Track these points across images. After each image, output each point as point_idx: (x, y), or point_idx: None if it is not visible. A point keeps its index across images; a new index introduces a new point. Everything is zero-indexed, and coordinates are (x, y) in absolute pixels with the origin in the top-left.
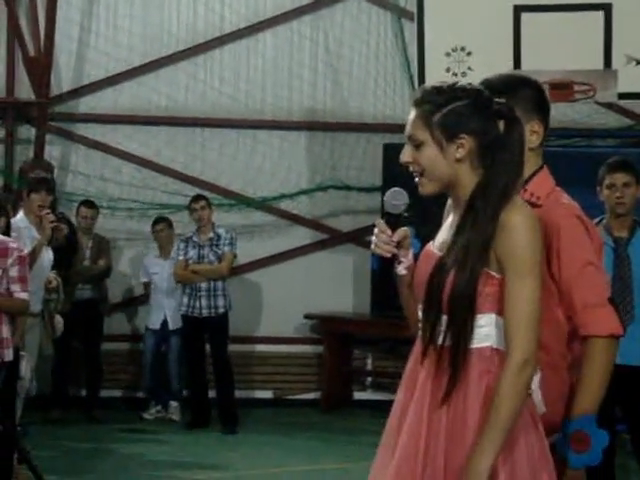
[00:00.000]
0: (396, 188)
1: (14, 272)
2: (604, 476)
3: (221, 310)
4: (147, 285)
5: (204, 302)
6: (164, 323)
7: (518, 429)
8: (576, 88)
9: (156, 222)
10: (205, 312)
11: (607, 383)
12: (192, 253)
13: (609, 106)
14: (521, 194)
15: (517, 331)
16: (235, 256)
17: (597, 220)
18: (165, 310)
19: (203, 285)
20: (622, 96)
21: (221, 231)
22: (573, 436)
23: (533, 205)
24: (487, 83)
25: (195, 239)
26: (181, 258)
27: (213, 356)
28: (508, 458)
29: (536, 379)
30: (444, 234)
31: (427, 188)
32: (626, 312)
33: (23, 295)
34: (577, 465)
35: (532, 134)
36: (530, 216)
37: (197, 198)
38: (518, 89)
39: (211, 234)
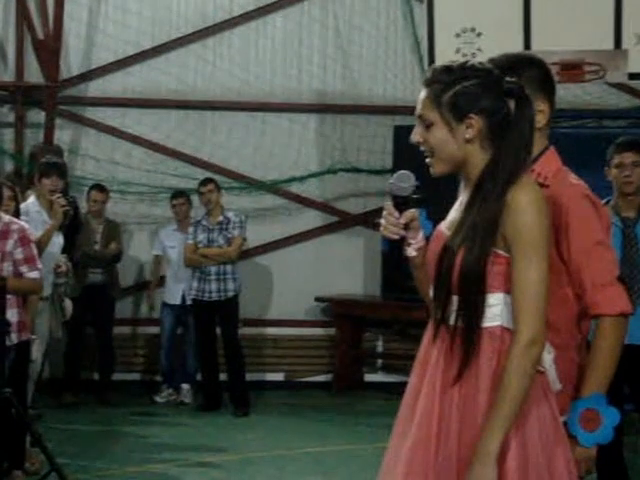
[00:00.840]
0: (403, 171)
1: (19, 254)
2: (612, 455)
3: (231, 293)
4: (158, 258)
5: (214, 286)
6: (183, 298)
7: (530, 403)
8: (586, 69)
9: (175, 196)
10: (215, 296)
11: (617, 362)
12: (202, 237)
13: (619, 86)
14: (528, 174)
15: (524, 311)
16: (244, 240)
17: (604, 201)
18: (183, 284)
19: (213, 269)
20: (632, 76)
21: (230, 214)
22: (583, 415)
23: (540, 185)
24: (493, 63)
25: (204, 223)
26: (190, 242)
27: (224, 339)
28: (519, 431)
29: (550, 357)
30: (454, 214)
31: (438, 168)
32: (634, 292)
33: (33, 274)
34: (588, 443)
35: (538, 114)
36: (537, 196)
37: (205, 181)
38: (524, 68)
39: (220, 217)
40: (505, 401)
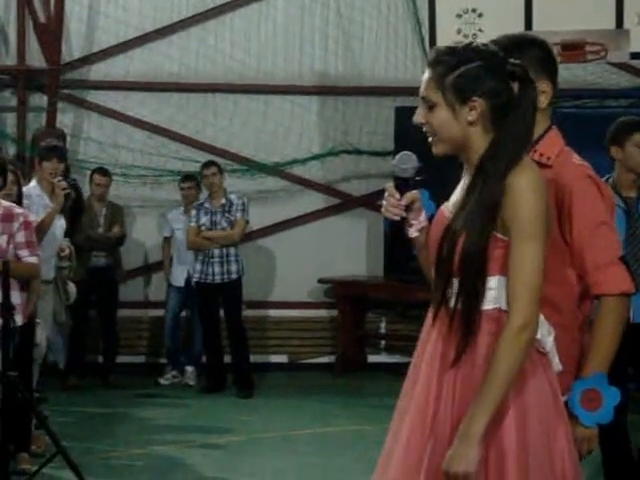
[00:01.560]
0: (404, 152)
1: (20, 237)
2: (616, 434)
3: (234, 276)
4: (168, 240)
5: (217, 268)
6: (188, 280)
7: (530, 383)
8: (588, 49)
9: (184, 180)
10: (218, 278)
11: (618, 342)
12: (204, 220)
13: (621, 66)
14: (531, 155)
15: (518, 295)
16: (247, 222)
17: (604, 179)
18: (188, 266)
19: (216, 251)
20: (634, 56)
21: (233, 197)
22: (585, 395)
23: (543, 166)
24: (495, 44)
25: (207, 205)
26: (193, 225)
27: (227, 322)
28: (519, 410)
29: (551, 338)
30: (456, 196)
31: (439, 149)
32: (638, 275)
33: (32, 259)
34: (589, 423)
35: (541, 94)
36: (536, 179)
37: (208, 164)
38: (526, 49)
39: (223, 200)
40: (492, 384)
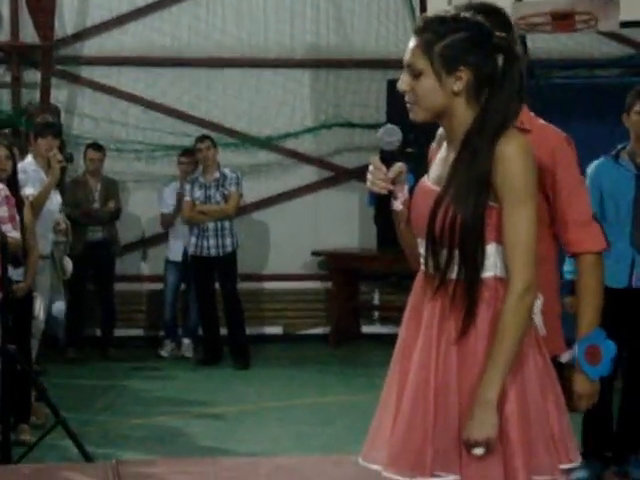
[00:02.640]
0: (389, 125)
1: (3, 212)
2: (602, 399)
3: (229, 249)
4: (165, 216)
5: (212, 242)
6: (185, 254)
7: (526, 348)
8: (577, 18)
9: (184, 154)
10: (213, 251)
11: (603, 296)
12: (199, 194)
13: (611, 35)
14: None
15: (516, 259)
16: (241, 196)
17: (620, 147)
18: (185, 241)
19: (210, 225)
20: (624, 25)
21: (227, 171)
22: (587, 351)
23: (523, 131)
24: (457, 10)
25: (201, 180)
26: (188, 199)
27: (223, 294)
28: (518, 377)
29: (539, 302)
30: (439, 168)
31: (419, 116)
32: None
33: (14, 234)
34: (594, 377)
35: None
36: (524, 145)
37: (202, 138)
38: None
39: (217, 174)
40: (502, 349)
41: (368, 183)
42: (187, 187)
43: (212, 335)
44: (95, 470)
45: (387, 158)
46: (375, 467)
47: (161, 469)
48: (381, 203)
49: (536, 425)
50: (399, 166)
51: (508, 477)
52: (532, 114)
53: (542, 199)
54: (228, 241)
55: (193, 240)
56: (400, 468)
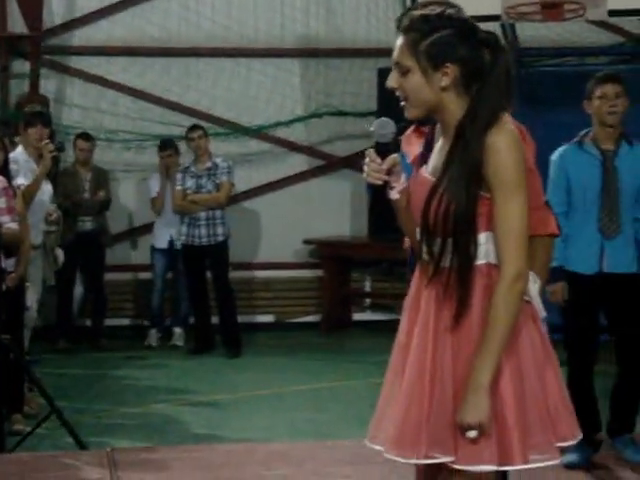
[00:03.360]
0: (383, 118)
1: (1, 203)
2: (583, 381)
3: (220, 238)
4: (155, 200)
5: (203, 231)
6: (171, 243)
7: (521, 331)
8: (566, 7)
9: (162, 148)
10: (205, 241)
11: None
12: (190, 183)
13: (600, 24)
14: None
15: (508, 247)
16: (233, 185)
17: (583, 133)
18: (171, 229)
19: (202, 214)
20: (612, 13)
21: (218, 160)
22: None
23: None
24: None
25: (193, 169)
26: (179, 188)
27: (215, 283)
28: (513, 358)
29: (536, 287)
30: (435, 159)
31: (412, 113)
32: (613, 223)
33: (13, 225)
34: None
35: None
36: (513, 136)
37: (193, 128)
38: None
39: (208, 164)
40: (494, 335)
41: (364, 175)
42: (179, 176)
43: (204, 324)
44: (90, 458)
45: (382, 150)
46: (378, 448)
47: (156, 456)
48: (377, 193)
49: (532, 404)
50: (393, 158)
51: (503, 457)
52: None
53: None
54: (220, 230)
55: (184, 229)
56: (399, 450)
